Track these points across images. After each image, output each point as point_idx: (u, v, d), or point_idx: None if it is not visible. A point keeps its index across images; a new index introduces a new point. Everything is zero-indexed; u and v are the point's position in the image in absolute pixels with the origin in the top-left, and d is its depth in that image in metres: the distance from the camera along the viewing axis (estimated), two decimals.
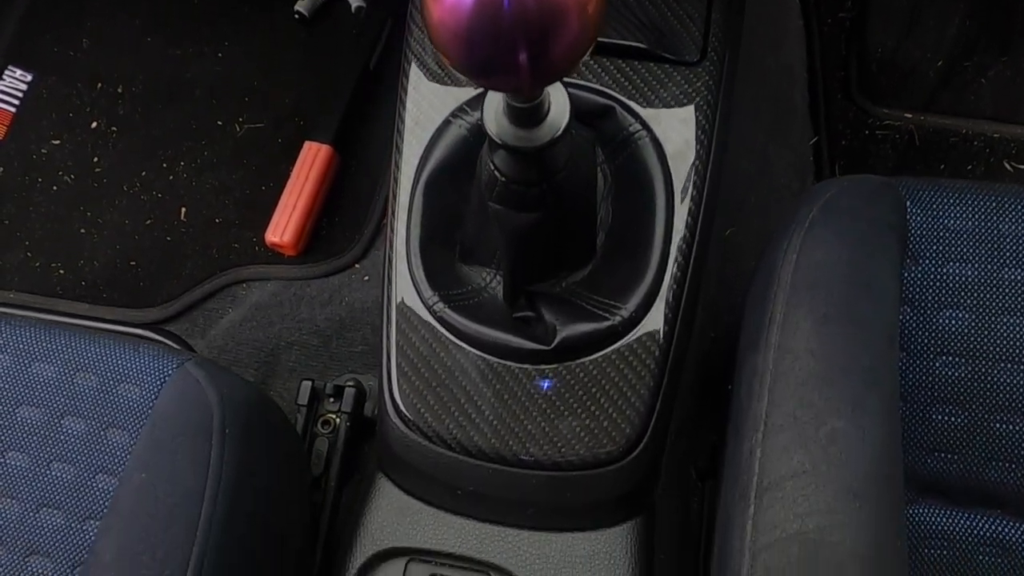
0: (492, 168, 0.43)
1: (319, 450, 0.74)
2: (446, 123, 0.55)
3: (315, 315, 0.89)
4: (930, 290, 0.52)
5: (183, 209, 0.98)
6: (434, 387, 0.51)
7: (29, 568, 0.54)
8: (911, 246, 0.52)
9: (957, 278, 0.52)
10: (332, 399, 0.75)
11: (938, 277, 0.52)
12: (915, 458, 0.51)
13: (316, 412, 0.75)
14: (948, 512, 0.52)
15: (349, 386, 0.75)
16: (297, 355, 0.86)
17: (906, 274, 0.52)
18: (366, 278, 0.91)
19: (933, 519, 0.52)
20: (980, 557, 0.51)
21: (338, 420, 0.75)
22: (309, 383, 0.74)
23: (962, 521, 0.52)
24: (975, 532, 0.52)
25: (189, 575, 0.42)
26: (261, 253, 0.95)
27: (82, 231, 0.99)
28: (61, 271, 0.97)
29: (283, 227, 0.91)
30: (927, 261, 0.52)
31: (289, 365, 0.85)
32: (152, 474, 0.46)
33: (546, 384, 0.51)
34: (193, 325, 0.93)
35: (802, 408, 0.41)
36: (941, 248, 0.52)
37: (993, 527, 0.52)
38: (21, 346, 0.58)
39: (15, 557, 0.54)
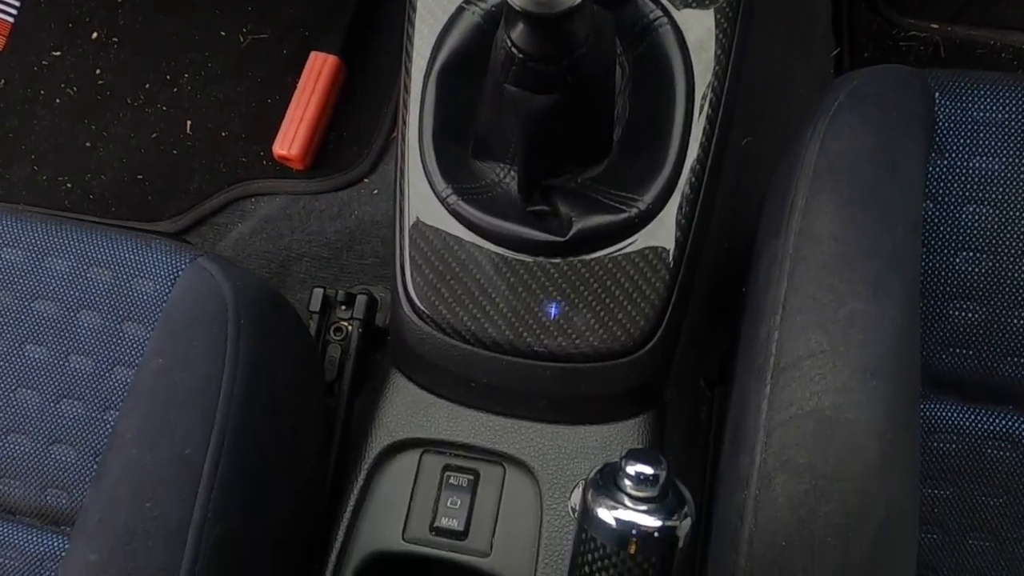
0: (509, 45, 0.41)
1: (332, 357, 0.74)
2: (459, 10, 0.53)
3: (325, 228, 0.88)
4: (954, 183, 0.51)
5: (188, 122, 0.96)
6: (448, 280, 0.51)
7: (53, 456, 0.55)
8: (937, 138, 0.51)
9: (982, 171, 0.51)
10: (344, 307, 0.75)
11: (963, 170, 0.51)
12: (931, 353, 0.51)
13: (328, 320, 0.76)
14: (960, 408, 0.52)
15: (361, 294, 0.75)
16: (308, 267, 0.86)
17: (930, 168, 0.51)
18: (375, 192, 0.90)
19: (945, 414, 0.52)
20: (989, 451, 0.52)
21: (350, 327, 0.75)
22: (321, 290, 0.74)
23: (974, 416, 0.52)
24: (986, 427, 0.52)
25: (208, 455, 0.43)
26: (269, 167, 0.94)
27: (87, 145, 0.97)
28: (68, 185, 0.96)
29: (291, 139, 0.89)
30: (952, 154, 0.51)
31: (300, 276, 0.85)
32: (168, 360, 0.46)
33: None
34: (203, 239, 0.93)
35: (822, 291, 0.40)
36: (968, 140, 0.51)
37: (1005, 422, 0.52)
38: (34, 241, 0.57)
39: (39, 446, 0.55)
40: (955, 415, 0.52)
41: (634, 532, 0.28)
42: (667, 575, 0.28)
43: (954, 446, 0.52)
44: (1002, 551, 0.51)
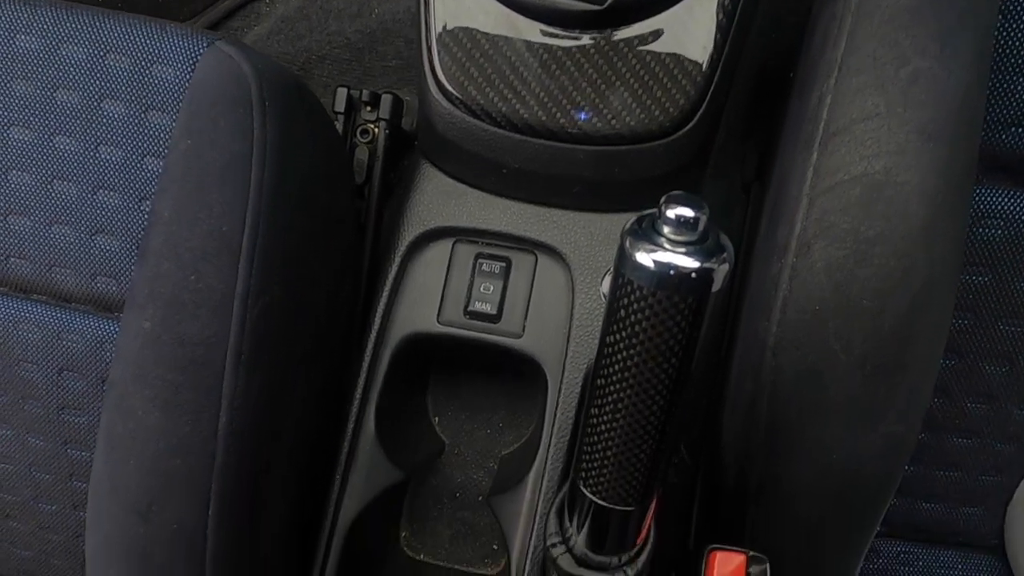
0: None
1: (359, 159, 0.73)
2: None
3: (344, 28, 0.84)
4: None
5: None
6: (478, 59, 0.48)
7: (97, 245, 0.57)
8: None
9: None
10: (369, 108, 0.73)
11: None
12: (987, 131, 0.48)
13: (354, 122, 0.74)
14: (1012, 193, 0.50)
15: (386, 94, 0.72)
16: (329, 69, 0.82)
17: None
18: None
19: (994, 199, 0.50)
20: None
21: (376, 129, 0.73)
22: (345, 90, 0.71)
23: None
24: None
25: (246, 232, 0.44)
26: None
27: None
28: None
29: None
30: None
31: (322, 79, 0.82)
32: (196, 140, 0.46)
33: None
34: None
35: (884, 47, 0.37)
36: None
37: None
38: (46, 27, 0.55)
39: (83, 236, 0.57)
40: (1005, 200, 0.50)
41: (672, 272, 0.27)
42: (700, 319, 0.28)
43: (999, 232, 0.50)
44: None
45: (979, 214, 0.51)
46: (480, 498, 0.61)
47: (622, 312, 0.29)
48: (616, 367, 0.30)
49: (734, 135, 0.59)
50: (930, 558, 0.61)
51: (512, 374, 0.59)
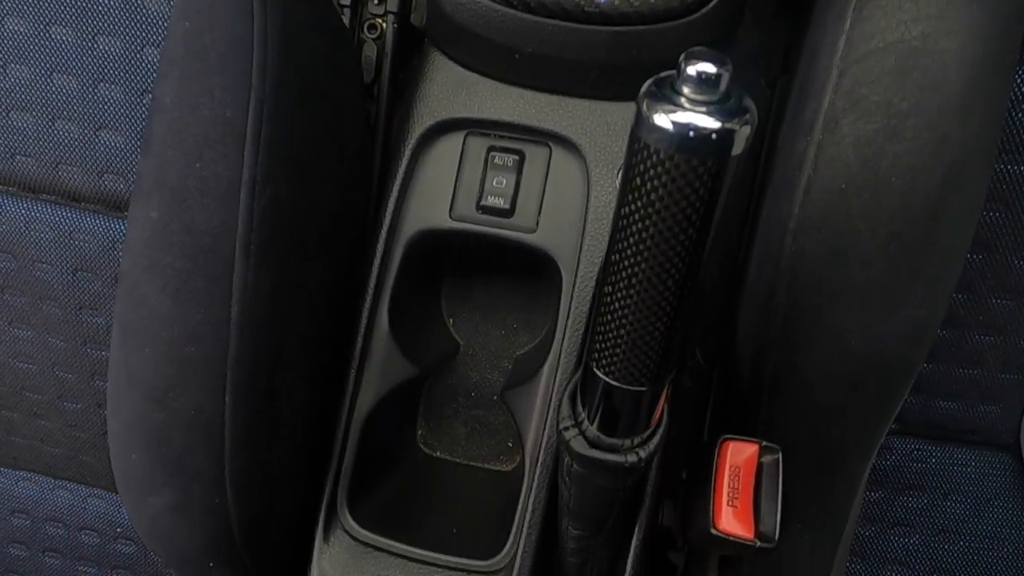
0: None
1: (367, 56, 0.70)
2: None
3: None
4: None
5: None
6: None
7: (102, 142, 0.56)
8: None
9: None
10: (376, 1, 0.69)
11: None
12: None
13: (361, 16, 0.70)
14: None
15: None
16: None
17: None
18: None
19: None
20: None
21: (384, 24, 0.70)
22: None
23: None
24: None
25: (250, 118, 0.42)
26: None
27: None
28: None
29: None
30: None
31: None
32: (195, 21, 0.44)
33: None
34: None
35: None
36: None
37: None
38: None
39: (87, 132, 0.56)
40: None
41: (691, 133, 0.26)
42: (720, 186, 0.27)
43: None
44: None
45: (1019, 98, 0.48)
46: (495, 397, 0.62)
47: (638, 180, 0.28)
48: (631, 239, 0.29)
49: (761, 19, 0.56)
50: (943, 456, 0.61)
51: (526, 273, 0.58)
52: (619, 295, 0.31)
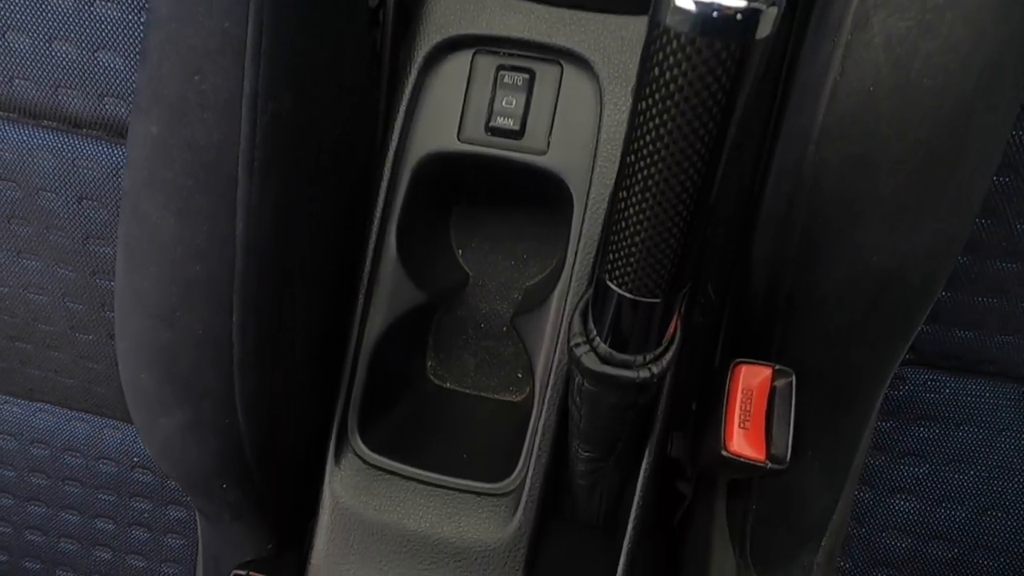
0: None
1: None
2: None
3: None
4: None
5: None
6: None
7: (100, 63, 0.54)
8: None
9: None
10: None
11: None
12: None
13: None
14: None
15: None
16: None
17: None
18: None
19: None
20: None
21: None
22: None
23: None
24: None
25: (250, 30, 0.41)
26: None
27: None
28: None
29: None
30: None
31: None
32: None
33: None
34: None
35: None
36: None
37: None
38: None
39: (84, 53, 0.54)
40: None
41: (715, 13, 0.24)
42: (743, 73, 0.25)
43: None
44: None
45: None
46: (504, 328, 0.61)
47: (656, 71, 0.26)
48: (648, 137, 0.27)
49: None
50: (957, 386, 0.60)
51: (536, 201, 0.57)
52: (635, 199, 0.30)
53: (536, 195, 0.56)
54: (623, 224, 0.31)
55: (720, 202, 0.50)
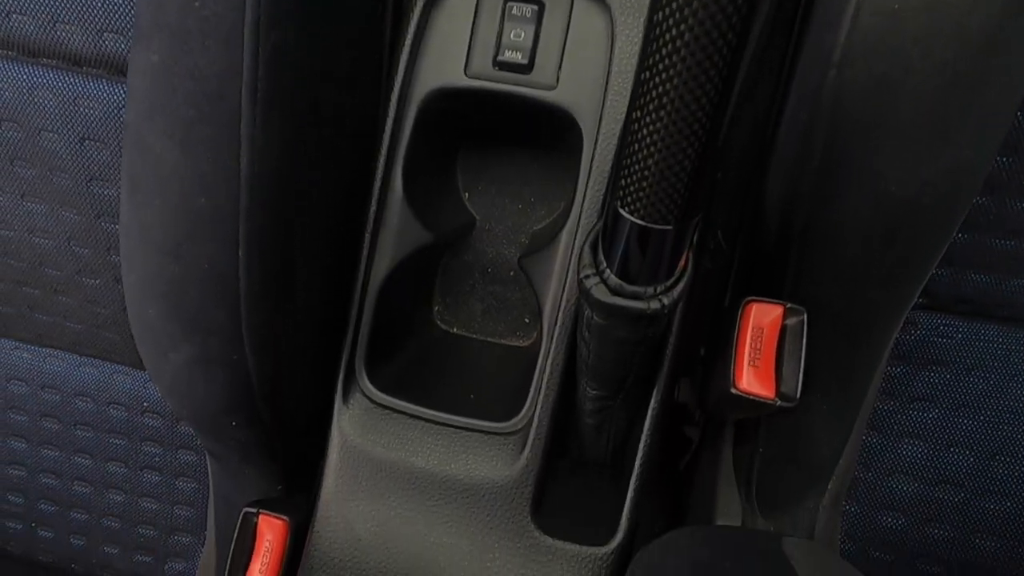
0: None
1: None
2: None
3: None
4: None
5: None
6: None
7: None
8: None
9: None
10: None
11: None
12: None
13: None
14: None
15: None
16: None
17: None
18: None
19: None
20: None
21: None
22: None
23: None
24: None
25: None
26: None
27: None
28: None
29: None
30: None
31: None
32: None
33: None
34: None
35: None
36: None
37: None
38: None
39: None
40: None
41: None
42: None
43: None
44: None
45: None
46: (511, 273, 0.61)
47: None
48: (665, 50, 0.26)
49: None
50: (970, 331, 0.60)
51: (545, 141, 0.55)
52: (649, 118, 0.29)
53: (545, 135, 0.55)
54: (637, 146, 0.30)
55: (736, 126, 0.49)
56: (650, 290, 0.36)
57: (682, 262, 0.36)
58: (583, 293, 0.38)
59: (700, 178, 0.31)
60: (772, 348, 0.45)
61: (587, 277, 0.37)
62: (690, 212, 0.32)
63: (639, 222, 0.33)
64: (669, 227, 0.33)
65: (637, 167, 0.31)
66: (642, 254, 0.35)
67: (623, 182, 0.32)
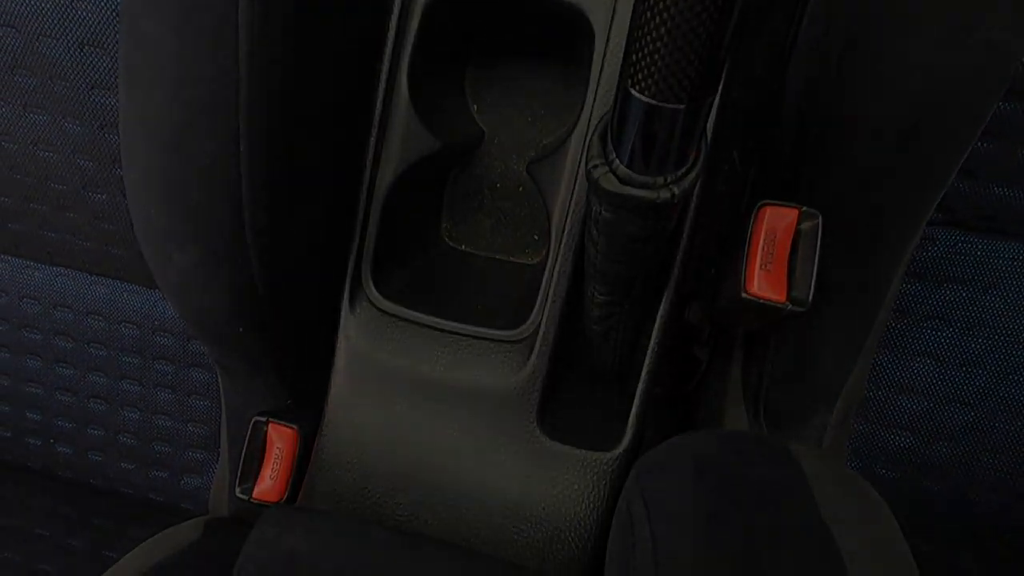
0: None
1: None
2: None
3: None
4: None
5: None
6: None
7: None
8: None
9: None
10: None
11: None
12: None
13: None
14: None
15: None
16: None
17: None
18: None
19: None
20: None
21: None
22: None
23: None
24: None
25: None
26: None
27: None
28: None
29: None
30: None
31: None
32: None
33: None
34: None
35: None
36: None
37: None
38: None
39: None
40: None
41: None
42: None
43: None
44: None
45: None
46: (520, 188, 0.59)
47: None
48: None
49: None
50: (988, 248, 0.58)
51: (554, 52, 0.54)
52: None
53: (554, 42, 0.53)
54: (649, 15, 0.29)
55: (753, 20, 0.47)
56: (660, 179, 0.35)
57: (694, 152, 0.35)
58: (591, 185, 0.37)
59: (715, 50, 0.29)
60: (785, 253, 0.44)
61: (595, 167, 0.36)
62: (703, 90, 0.31)
63: (650, 100, 0.31)
64: (681, 105, 0.31)
65: (650, 38, 0.29)
66: (652, 138, 0.33)
67: (634, 58, 0.30)
